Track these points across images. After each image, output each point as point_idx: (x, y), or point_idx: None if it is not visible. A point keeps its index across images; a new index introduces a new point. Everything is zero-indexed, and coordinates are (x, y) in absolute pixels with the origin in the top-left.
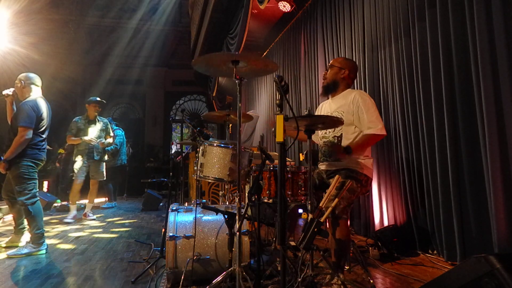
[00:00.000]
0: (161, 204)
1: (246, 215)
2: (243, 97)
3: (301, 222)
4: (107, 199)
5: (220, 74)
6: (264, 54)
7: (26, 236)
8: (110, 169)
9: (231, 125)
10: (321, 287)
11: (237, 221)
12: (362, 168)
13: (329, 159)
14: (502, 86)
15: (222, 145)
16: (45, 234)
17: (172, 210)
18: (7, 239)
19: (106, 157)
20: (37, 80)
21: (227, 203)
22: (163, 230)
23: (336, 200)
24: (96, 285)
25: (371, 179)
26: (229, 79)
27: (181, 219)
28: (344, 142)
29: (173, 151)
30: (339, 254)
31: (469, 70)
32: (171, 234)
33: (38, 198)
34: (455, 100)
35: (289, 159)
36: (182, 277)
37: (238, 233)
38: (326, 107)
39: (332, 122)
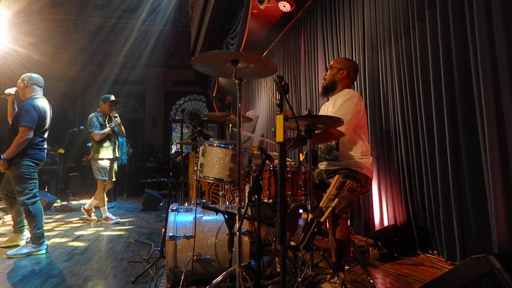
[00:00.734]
0: (161, 204)
1: (246, 215)
2: (243, 97)
3: (301, 222)
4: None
5: (219, 74)
6: (264, 54)
7: (26, 234)
8: None
9: (231, 125)
10: (321, 285)
11: (237, 221)
12: (362, 168)
13: (328, 157)
14: (502, 86)
15: (222, 145)
16: (45, 234)
17: (172, 210)
18: (6, 239)
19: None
20: (40, 80)
21: (227, 203)
22: (163, 230)
23: (336, 200)
24: (96, 285)
25: (371, 179)
26: (229, 79)
27: (181, 219)
28: (341, 141)
29: (173, 151)
30: (339, 254)
31: (469, 70)
32: (171, 234)
33: (38, 198)
34: (455, 100)
35: (289, 159)
36: (182, 277)
37: (238, 233)
38: (327, 108)
39: (332, 122)
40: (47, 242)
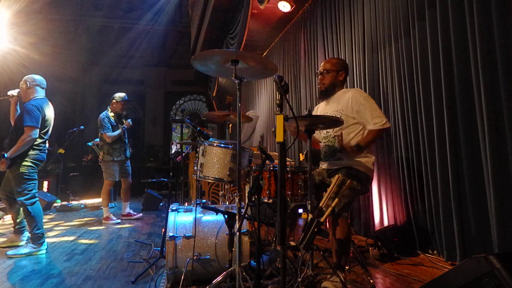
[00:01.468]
0: (161, 204)
1: (246, 215)
2: (243, 97)
3: (301, 222)
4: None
5: (219, 74)
6: (264, 54)
7: (26, 235)
8: None
9: (231, 125)
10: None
11: (237, 221)
12: (363, 167)
13: (331, 159)
14: (502, 86)
15: (222, 145)
16: (45, 234)
17: (172, 210)
18: (6, 239)
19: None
20: (43, 82)
21: (227, 203)
22: (163, 230)
23: (337, 199)
24: (96, 285)
25: (372, 179)
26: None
27: (181, 219)
28: (345, 141)
29: (173, 151)
30: (339, 254)
31: (469, 70)
32: (171, 234)
33: (38, 198)
34: (455, 100)
35: (289, 159)
36: (182, 277)
37: (238, 233)
38: (322, 109)
39: (332, 122)
40: (47, 242)
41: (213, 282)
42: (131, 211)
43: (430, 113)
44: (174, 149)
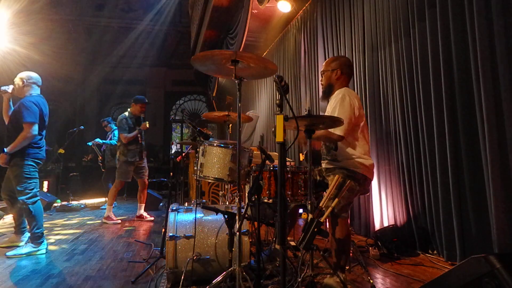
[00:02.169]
0: (161, 204)
1: (246, 215)
2: (243, 97)
3: (301, 222)
4: (106, 199)
5: (219, 74)
6: (264, 54)
7: (27, 236)
8: (110, 169)
9: (231, 125)
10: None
11: (237, 221)
12: (360, 168)
13: (327, 156)
14: (502, 86)
15: (222, 145)
16: (45, 234)
17: (172, 210)
18: (7, 239)
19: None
20: (39, 80)
21: (227, 203)
22: (163, 230)
23: (336, 200)
24: (96, 285)
25: (370, 179)
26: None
27: (181, 219)
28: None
29: (173, 151)
30: (339, 254)
31: (469, 70)
32: (171, 234)
33: (39, 197)
34: (455, 100)
35: (289, 159)
36: (182, 277)
37: (238, 233)
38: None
39: (332, 122)
40: (47, 242)
41: (213, 282)
42: (144, 213)
43: (430, 113)
44: (174, 149)
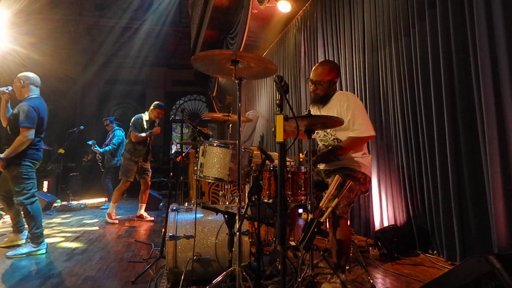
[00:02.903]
0: (161, 204)
1: (246, 215)
2: (243, 97)
3: (301, 222)
4: (106, 199)
5: (219, 74)
6: (264, 54)
7: (25, 234)
8: (109, 169)
9: (231, 125)
10: (321, 285)
11: (237, 221)
12: (360, 167)
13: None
14: (502, 86)
15: (222, 145)
16: (45, 234)
17: (172, 210)
18: (6, 239)
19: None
20: (37, 80)
21: (227, 203)
22: (163, 230)
23: (336, 200)
24: (96, 285)
25: (370, 177)
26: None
27: (181, 219)
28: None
29: (173, 151)
30: (339, 254)
31: (469, 70)
32: (171, 234)
33: (37, 197)
34: (455, 100)
35: (289, 159)
36: (182, 277)
37: (238, 233)
38: (315, 111)
39: (332, 122)
40: (46, 242)
41: (213, 282)
42: (145, 213)
43: (430, 113)
44: (174, 149)
